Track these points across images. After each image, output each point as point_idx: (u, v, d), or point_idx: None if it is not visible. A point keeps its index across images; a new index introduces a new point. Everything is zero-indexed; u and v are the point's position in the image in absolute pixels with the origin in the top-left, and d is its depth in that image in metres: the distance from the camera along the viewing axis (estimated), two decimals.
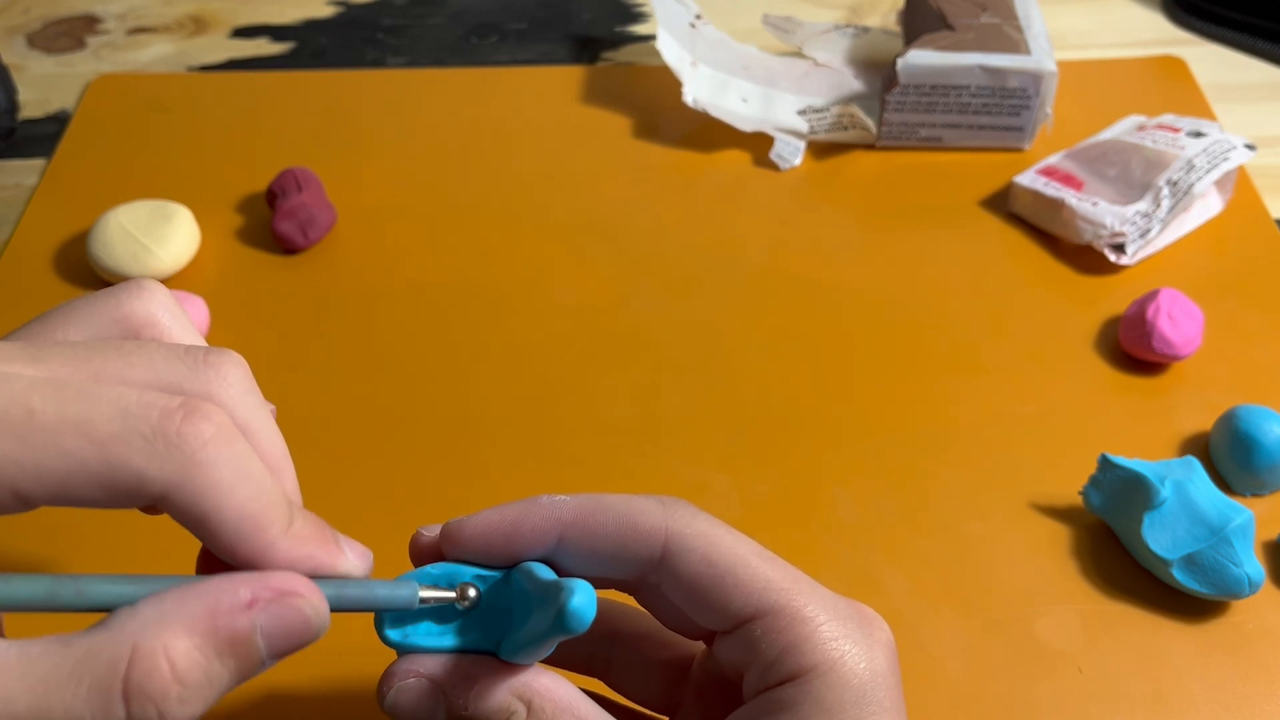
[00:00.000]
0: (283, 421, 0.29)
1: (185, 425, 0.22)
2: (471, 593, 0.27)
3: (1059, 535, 0.42)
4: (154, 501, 0.23)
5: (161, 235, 0.51)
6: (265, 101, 0.61)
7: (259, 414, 0.26)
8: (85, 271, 0.51)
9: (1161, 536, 0.39)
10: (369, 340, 0.49)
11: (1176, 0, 0.66)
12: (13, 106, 0.59)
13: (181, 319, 0.28)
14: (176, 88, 0.62)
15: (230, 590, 0.23)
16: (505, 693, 0.27)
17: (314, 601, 0.23)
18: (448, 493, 0.43)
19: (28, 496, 0.22)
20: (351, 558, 0.25)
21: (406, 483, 0.44)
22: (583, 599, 0.25)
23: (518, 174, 0.57)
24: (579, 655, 0.32)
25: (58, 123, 0.60)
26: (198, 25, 0.67)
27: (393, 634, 0.27)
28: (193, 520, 0.23)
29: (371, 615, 0.27)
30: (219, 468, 0.23)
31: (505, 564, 0.28)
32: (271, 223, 0.53)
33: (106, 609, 0.23)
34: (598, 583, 0.28)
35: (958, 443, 0.45)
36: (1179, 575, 0.39)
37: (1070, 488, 0.42)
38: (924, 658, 0.38)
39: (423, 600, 0.27)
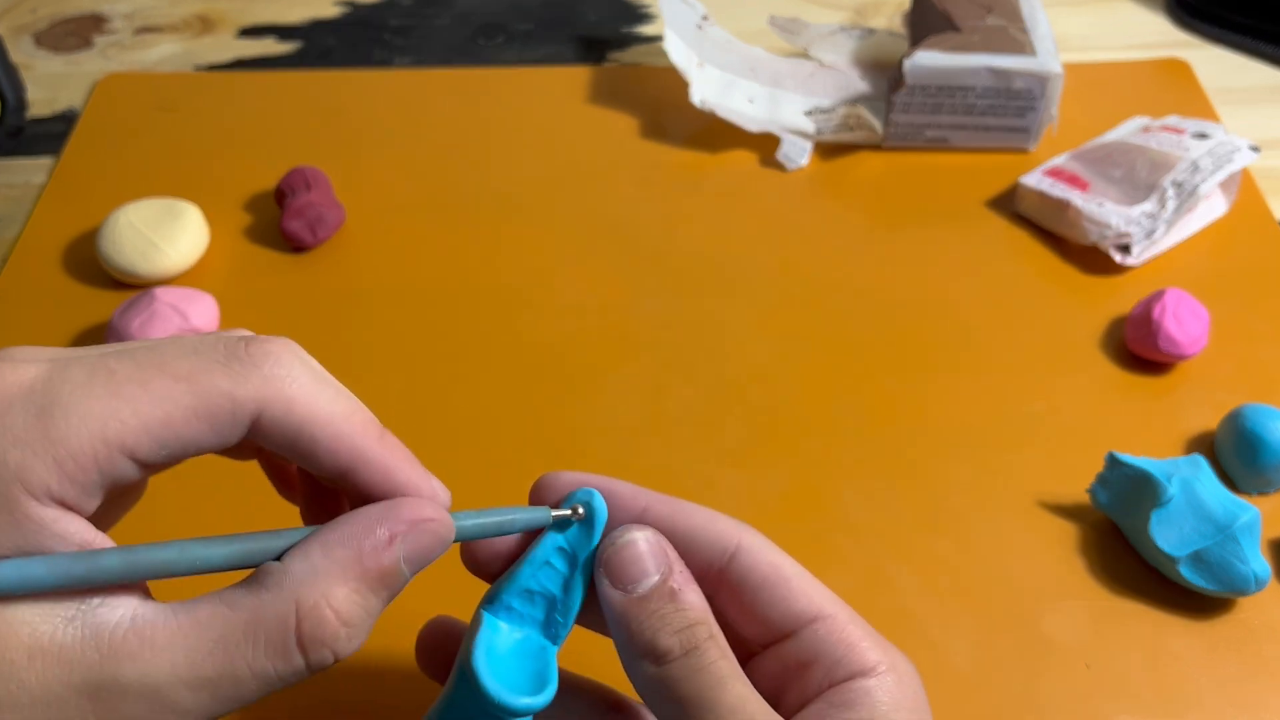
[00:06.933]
0: None
1: (253, 346, 0.24)
2: (581, 509, 0.29)
3: (1067, 533, 0.42)
4: (252, 421, 0.24)
5: (171, 233, 0.51)
6: (273, 101, 0.61)
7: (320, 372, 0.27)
8: (94, 269, 0.52)
9: (1168, 534, 0.39)
10: (377, 338, 0.49)
11: (1180, 3, 0.67)
12: (21, 105, 0.59)
13: None
14: (184, 87, 0.62)
15: (369, 532, 0.25)
16: (701, 598, 0.28)
17: (444, 522, 0.26)
18: (455, 489, 0.43)
19: (137, 451, 0.23)
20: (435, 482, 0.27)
21: None
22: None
23: (525, 174, 0.57)
24: None
25: (65, 121, 0.61)
26: (204, 25, 0.67)
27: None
28: (291, 432, 0.24)
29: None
30: (298, 377, 0.25)
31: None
32: (280, 221, 0.53)
33: (241, 567, 0.24)
34: None
35: (966, 441, 0.45)
36: (1186, 572, 0.39)
37: (1078, 486, 0.43)
38: (933, 653, 0.38)
39: (555, 518, 0.28)
